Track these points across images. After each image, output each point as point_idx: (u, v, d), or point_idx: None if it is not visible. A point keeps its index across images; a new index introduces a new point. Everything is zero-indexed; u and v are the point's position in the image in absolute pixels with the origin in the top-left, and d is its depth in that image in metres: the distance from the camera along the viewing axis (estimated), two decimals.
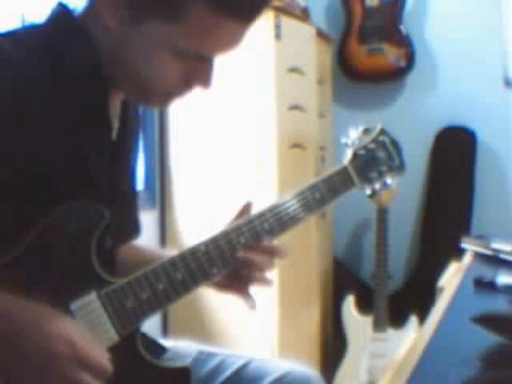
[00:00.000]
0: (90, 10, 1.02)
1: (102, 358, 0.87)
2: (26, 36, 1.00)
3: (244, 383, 1.20)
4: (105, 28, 0.98)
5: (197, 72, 1.02)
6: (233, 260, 1.06)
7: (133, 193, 1.23)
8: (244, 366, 1.22)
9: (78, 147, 0.98)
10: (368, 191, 1.27)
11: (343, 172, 1.22)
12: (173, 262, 1.01)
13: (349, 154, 1.25)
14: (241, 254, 1.07)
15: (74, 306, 0.92)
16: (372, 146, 1.27)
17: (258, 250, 1.09)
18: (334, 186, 1.19)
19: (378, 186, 1.27)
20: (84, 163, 1.00)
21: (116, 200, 1.06)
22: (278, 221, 1.11)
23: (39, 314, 0.86)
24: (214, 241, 1.05)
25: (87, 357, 0.85)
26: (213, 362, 1.24)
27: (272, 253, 1.11)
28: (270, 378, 1.20)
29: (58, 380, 0.84)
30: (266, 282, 1.13)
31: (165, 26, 0.95)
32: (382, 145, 1.28)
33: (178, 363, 1.07)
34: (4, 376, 0.83)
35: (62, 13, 1.03)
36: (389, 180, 1.28)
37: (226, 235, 1.06)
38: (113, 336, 0.95)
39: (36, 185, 0.93)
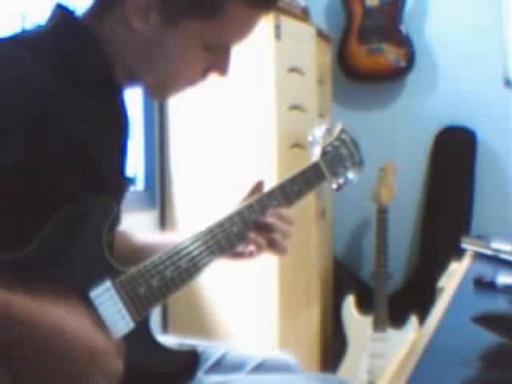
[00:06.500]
0: (100, 12, 1.04)
1: (116, 359, 0.88)
2: (35, 38, 1.00)
3: (225, 372, 1.23)
4: (128, 30, 1.01)
5: (217, 62, 1.08)
6: (230, 246, 1.13)
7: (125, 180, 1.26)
8: (224, 356, 1.26)
9: (90, 148, 0.99)
10: (334, 185, 1.35)
11: (316, 167, 1.30)
12: (177, 251, 1.06)
13: (317, 150, 1.32)
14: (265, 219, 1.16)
15: (92, 295, 0.94)
16: (336, 143, 1.35)
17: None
18: (308, 180, 1.27)
19: (342, 180, 1.36)
20: (95, 163, 1.01)
21: (120, 191, 1.11)
22: (262, 208, 1.19)
23: (58, 314, 0.85)
24: (210, 231, 1.11)
25: (104, 363, 0.85)
26: None
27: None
28: (249, 366, 1.24)
29: (71, 380, 0.84)
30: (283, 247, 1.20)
31: (200, 24, 1.01)
32: (344, 142, 1.37)
33: (185, 347, 1.12)
34: (20, 375, 0.83)
35: (64, 15, 1.04)
36: (350, 175, 1.37)
37: (220, 225, 1.12)
38: (129, 322, 0.98)
39: (47, 184, 0.94)
